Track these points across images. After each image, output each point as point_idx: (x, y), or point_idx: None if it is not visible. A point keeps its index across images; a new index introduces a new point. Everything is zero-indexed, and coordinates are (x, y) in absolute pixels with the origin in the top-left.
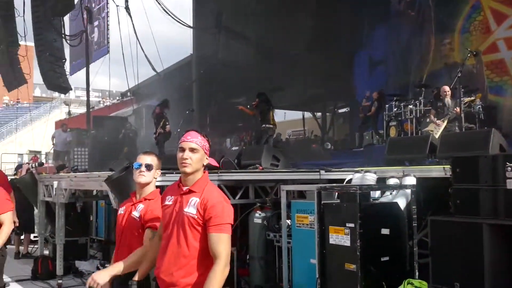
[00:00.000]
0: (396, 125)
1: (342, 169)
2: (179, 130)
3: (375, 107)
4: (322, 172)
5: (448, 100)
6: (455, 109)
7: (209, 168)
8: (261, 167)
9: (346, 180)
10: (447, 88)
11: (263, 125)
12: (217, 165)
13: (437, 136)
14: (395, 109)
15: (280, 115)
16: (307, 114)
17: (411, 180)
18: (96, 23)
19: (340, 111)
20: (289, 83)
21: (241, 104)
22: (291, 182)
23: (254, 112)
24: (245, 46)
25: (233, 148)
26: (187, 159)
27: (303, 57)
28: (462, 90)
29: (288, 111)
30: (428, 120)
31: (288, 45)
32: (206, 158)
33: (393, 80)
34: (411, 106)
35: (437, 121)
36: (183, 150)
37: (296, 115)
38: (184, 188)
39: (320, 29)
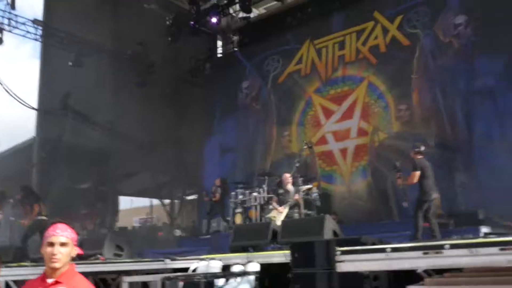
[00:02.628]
0: (241, 212)
1: (187, 258)
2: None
3: (219, 194)
4: (167, 261)
5: (289, 187)
6: (295, 196)
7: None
8: (103, 258)
9: (191, 269)
10: (288, 175)
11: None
12: (82, 252)
13: (278, 223)
14: (241, 196)
15: (127, 203)
16: (155, 201)
17: (254, 267)
18: None
19: (188, 198)
20: (138, 169)
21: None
22: (135, 272)
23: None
24: (94, 130)
25: None
26: (56, 254)
27: (153, 143)
28: (301, 178)
29: (136, 198)
30: (270, 207)
31: (139, 131)
32: (75, 249)
33: (240, 168)
34: (255, 194)
35: (279, 208)
36: (52, 245)
37: (144, 202)
38: (49, 280)
39: (173, 116)
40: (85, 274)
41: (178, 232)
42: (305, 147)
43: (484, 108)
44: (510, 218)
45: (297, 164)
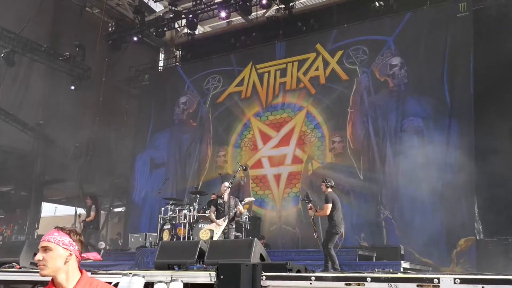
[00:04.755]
0: (170, 228)
1: (110, 272)
2: None
3: (94, 212)
4: (88, 274)
5: (226, 196)
6: (238, 207)
7: None
8: (18, 266)
9: (113, 283)
10: (226, 183)
11: None
12: (99, 258)
13: (216, 237)
14: (171, 213)
15: (50, 210)
16: (80, 210)
17: (178, 286)
18: None
19: (116, 210)
20: (65, 175)
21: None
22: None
23: None
24: (20, 130)
25: None
26: (40, 260)
27: (82, 150)
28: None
29: (60, 206)
30: (200, 226)
31: (68, 135)
32: (72, 254)
33: (171, 183)
34: (185, 211)
35: (218, 221)
36: (39, 251)
37: (69, 210)
38: None
39: (106, 125)
40: None
41: (102, 245)
42: (239, 168)
43: (411, 147)
44: (429, 255)
45: (230, 186)
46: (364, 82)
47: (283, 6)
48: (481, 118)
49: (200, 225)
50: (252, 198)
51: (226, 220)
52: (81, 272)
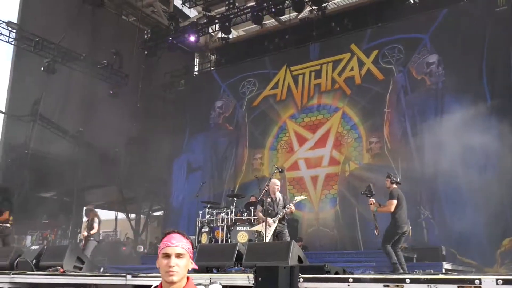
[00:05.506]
0: (207, 231)
1: (150, 275)
2: None
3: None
4: (129, 277)
5: (278, 195)
6: (289, 207)
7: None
8: (62, 270)
9: (153, 286)
10: (277, 182)
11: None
12: (197, 267)
13: (268, 239)
14: (208, 216)
15: None
16: (121, 215)
17: None
18: None
19: (155, 214)
20: (105, 181)
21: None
22: (94, 286)
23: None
24: (63, 138)
25: (33, 247)
26: (173, 266)
27: (122, 155)
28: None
29: (101, 211)
30: (238, 229)
31: (107, 141)
32: (191, 263)
33: (208, 187)
34: (223, 214)
35: (269, 220)
36: (168, 256)
37: (109, 215)
38: None
39: (144, 130)
40: (43, 286)
41: (141, 248)
42: (275, 171)
43: (450, 146)
44: (471, 255)
45: (266, 188)
46: (401, 81)
47: (316, 7)
48: None
49: (238, 228)
50: (304, 197)
51: (276, 221)
52: (187, 278)
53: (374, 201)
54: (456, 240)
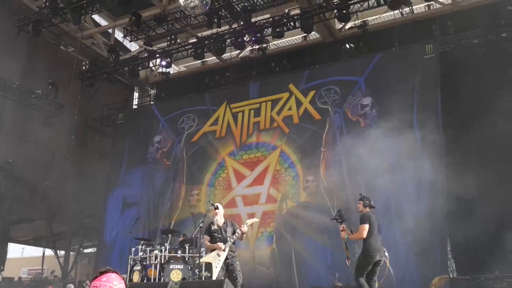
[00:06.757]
0: (140, 269)
1: None
2: None
3: None
4: None
5: (224, 221)
6: (240, 229)
7: None
8: None
9: None
10: (221, 207)
11: None
12: None
13: (217, 271)
14: (141, 253)
15: (17, 251)
16: (48, 251)
17: None
18: None
19: (85, 250)
20: (34, 215)
21: None
22: None
23: None
24: None
25: None
26: None
27: (53, 188)
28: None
29: (27, 247)
30: (171, 267)
31: (38, 174)
32: None
33: (142, 223)
34: (156, 251)
35: (221, 245)
36: None
37: (36, 251)
38: None
39: (77, 163)
40: None
41: (71, 287)
42: (211, 208)
43: (384, 186)
44: None
45: (201, 224)
46: (337, 121)
47: (257, 47)
48: (451, 155)
49: (171, 266)
50: (257, 219)
51: (227, 249)
52: None
53: (345, 227)
54: (389, 278)
